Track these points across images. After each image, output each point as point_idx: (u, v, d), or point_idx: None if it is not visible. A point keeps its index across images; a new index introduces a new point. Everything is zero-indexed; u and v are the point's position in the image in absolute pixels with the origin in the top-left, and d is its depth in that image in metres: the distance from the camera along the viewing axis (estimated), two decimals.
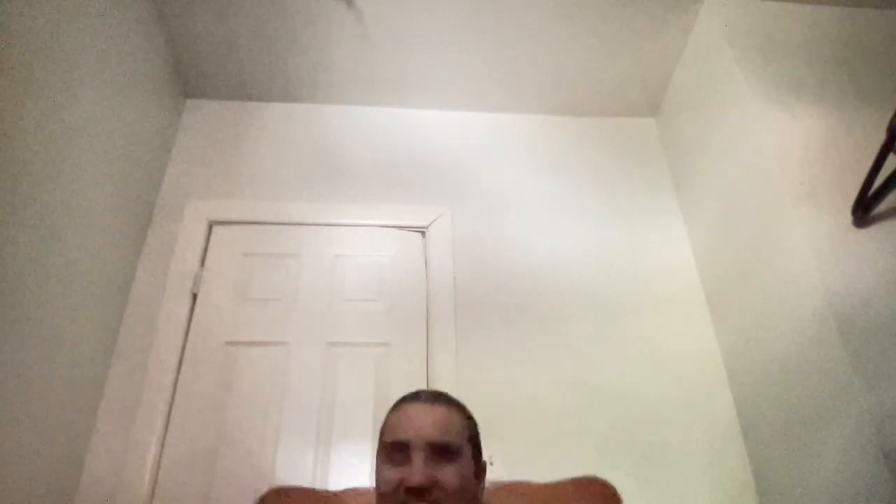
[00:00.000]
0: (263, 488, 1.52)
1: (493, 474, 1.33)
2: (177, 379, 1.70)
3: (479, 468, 0.95)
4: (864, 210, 1.50)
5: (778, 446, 1.59)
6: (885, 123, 1.51)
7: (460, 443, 0.90)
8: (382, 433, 0.95)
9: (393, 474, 0.87)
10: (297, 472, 1.60)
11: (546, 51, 2.11)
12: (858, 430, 1.32)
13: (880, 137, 1.49)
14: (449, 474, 0.86)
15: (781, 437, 1.57)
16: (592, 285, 1.96)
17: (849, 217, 1.53)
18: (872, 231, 1.52)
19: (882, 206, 1.51)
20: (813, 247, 1.50)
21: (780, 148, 1.65)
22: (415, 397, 0.97)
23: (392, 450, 0.89)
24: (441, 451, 0.87)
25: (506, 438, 1.62)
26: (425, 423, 0.90)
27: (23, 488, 1.33)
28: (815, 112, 1.72)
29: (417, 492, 0.83)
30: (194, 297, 1.83)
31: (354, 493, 1.00)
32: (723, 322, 1.88)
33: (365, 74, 2.16)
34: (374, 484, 0.92)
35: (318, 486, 1.58)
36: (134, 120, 1.82)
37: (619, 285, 1.97)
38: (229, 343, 1.76)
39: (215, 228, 1.96)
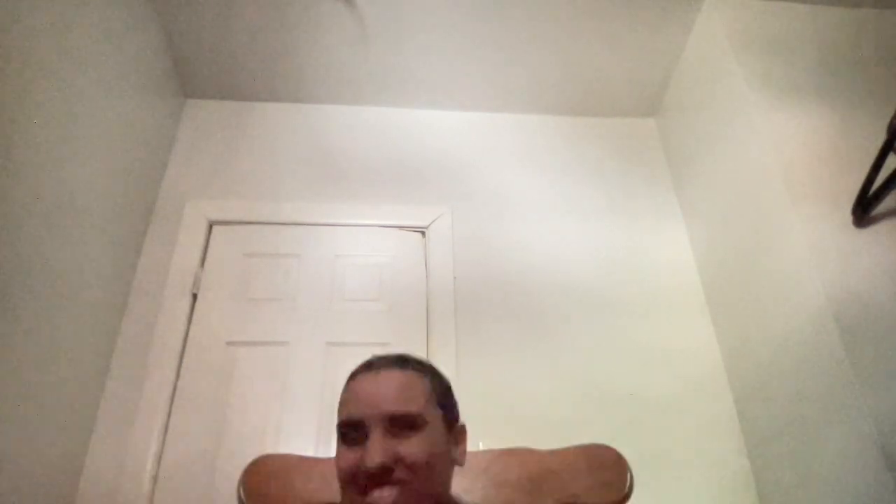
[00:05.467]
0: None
1: None
2: (177, 379, 1.70)
3: (455, 431, 0.83)
4: (864, 210, 1.50)
5: (778, 446, 1.59)
6: (885, 123, 1.51)
7: (423, 411, 0.77)
8: (338, 411, 0.82)
9: (350, 457, 0.75)
10: None
11: (546, 51, 2.11)
12: (858, 430, 1.32)
13: (880, 137, 1.49)
14: (413, 447, 0.74)
15: (781, 437, 1.57)
16: (592, 285, 1.96)
17: (849, 217, 1.53)
18: (872, 231, 1.52)
19: (882, 206, 1.51)
20: (813, 247, 1.50)
21: (780, 148, 1.65)
22: (367, 366, 0.84)
23: (346, 429, 0.78)
24: (402, 424, 0.75)
25: (505, 438, 1.62)
26: (380, 395, 0.78)
27: (23, 488, 1.33)
28: (815, 112, 1.72)
29: (378, 474, 0.72)
30: (194, 297, 1.83)
31: None
32: (723, 322, 1.88)
33: (365, 74, 2.16)
34: None
35: None
36: (134, 120, 1.82)
37: (619, 285, 1.97)
38: (229, 343, 1.76)
39: (215, 228, 1.96)
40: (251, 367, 1.73)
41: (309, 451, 1.62)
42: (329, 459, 0.96)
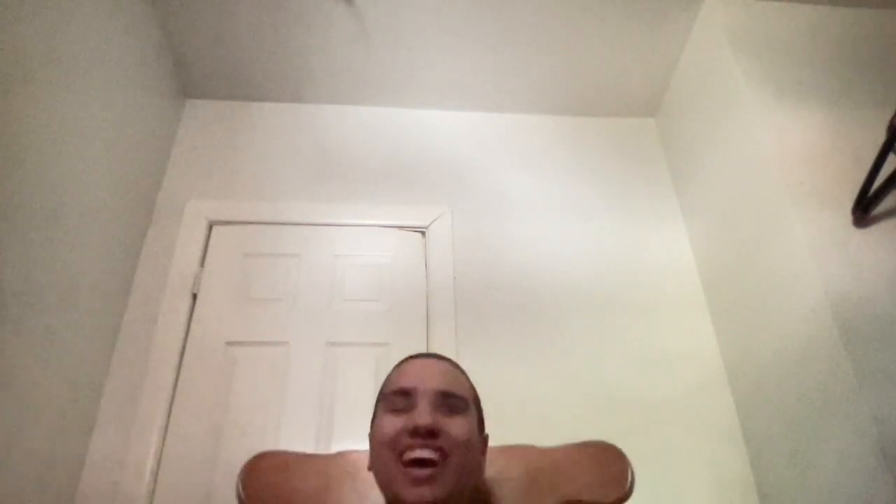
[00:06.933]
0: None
1: None
2: (177, 379, 1.70)
3: (482, 437, 0.87)
4: (864, 210, 1.50)
5: (778, 447, 1.59)
6: (885, 123, 1.51)
7: (467, 398, 0.82)
8: (383, 389, 0.85)
9: (395, 421, 0.77)
10: None
11: (546, 51, 2.11)
12: (858, 431, 1.32)
13: (880, 137, 1.49)
14: (456, 425, 0.77)
15: (781, 437, 1.57)
16: (592, 285, 1.96)
17: (849, 217, 1.53)
18: (872, 231, 1.52)
19: (882, 206, 1.51)
20: (813, 247, 1.50)
21: (780, 148, 1.65)
22: (418, 355, 0.90)
23: (395, 398, 0.80)
24: (448, 403, 0.79)
25: (505, 438, 1.62)
26: (432, 373, 0.82)
27: (23, 488, 1.33)
28: (815, 112, 1.72)
29: (424, 434, 0.74)
30: (194, 297, 1.83)
31: (342, 455, 0.96)
32: (722, 322, 1.88)
33: (365, 74, 2.16)
34: (367, 445, 0.84)
35: None
36: (134, 120, 1.82)
37: (619, 285, 1.97)
38: (229, 343, 1.76)
39: (215, 228, 1.96)
40: (251, 367, 1.73)
41: (309, 451, 1.62)
42: (328, 456, 0.96)
